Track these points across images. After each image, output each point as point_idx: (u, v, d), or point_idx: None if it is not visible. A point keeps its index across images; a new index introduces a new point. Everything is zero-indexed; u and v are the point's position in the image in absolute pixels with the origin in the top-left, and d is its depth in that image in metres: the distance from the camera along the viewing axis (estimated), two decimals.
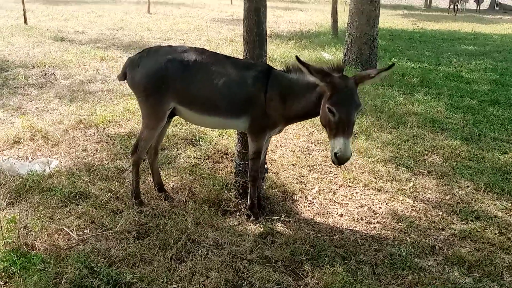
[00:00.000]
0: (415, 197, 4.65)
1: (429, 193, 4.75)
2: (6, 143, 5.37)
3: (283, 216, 4.13)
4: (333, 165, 5.16)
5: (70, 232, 3.65)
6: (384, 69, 3.39)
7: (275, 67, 3.94)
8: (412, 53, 12.91)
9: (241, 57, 4.43)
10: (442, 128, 6.62)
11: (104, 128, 6.06)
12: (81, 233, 3.70)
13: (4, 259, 3.17)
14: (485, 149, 5.89)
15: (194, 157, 5.24)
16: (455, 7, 28.35)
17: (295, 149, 5.66)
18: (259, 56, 4.18)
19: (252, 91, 3.72)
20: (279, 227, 3.97)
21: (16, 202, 4.11)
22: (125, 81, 4.00)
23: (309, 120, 6.31)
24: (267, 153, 5.34)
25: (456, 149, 5.82)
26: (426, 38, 16.51)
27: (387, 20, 22.97)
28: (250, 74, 3.75)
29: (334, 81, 3.33)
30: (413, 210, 4.42)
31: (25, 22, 14.97)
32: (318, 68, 3.41)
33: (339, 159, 3.28)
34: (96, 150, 5.37)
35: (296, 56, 3.40)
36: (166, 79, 3.72)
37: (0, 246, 3.31)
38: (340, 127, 3.26)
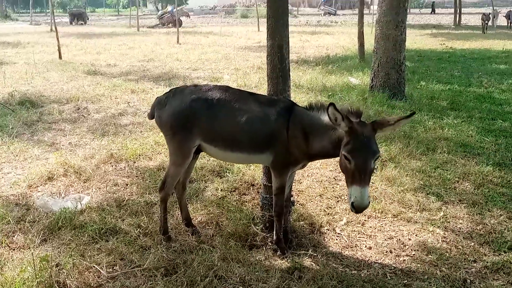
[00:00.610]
0: (445, 228, 4.55)
1: (460, 223, 4.65)
2: (40, 180, 5.55)
3: (310, 250, 4.10)
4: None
5: (100, 270, 3.73)
6: (404, 117, 3.31)
7: (298, 104, 3.96)
8: (441, 74, 12.78)
9: (265, 90, 4.49)
10: (473, 153, 6.50)
11: (134, 162, 6.20)
12: (110, 270, 3.77)
13: None
14: None
15: (221, 189, 5.30)
16: (485, 24, 27.88)
17: (322, 179, 5.65)
18: (283, 91, 4.24)
19: (274, 128, 3.76)
20: (307, 261, 3.95)
21: (49, 239, 4.23)
22: (154, 119, 4.13)
23: None
24: (294, 184, 5.36)
25: (488, 175, 5.70)
26: (456, 58, 16.33)
27: (416, 40, 22.87)
28: (272, 111, 3.79)
29: (352, 127, 3.30)
30: (444, 241, 4.33)
31: (60, 57, 15.58)
32: (346, 115, 3.33)
33: (356, 209, 3.23)
34: (126, 185, 5.49)
35: (332, 103, 3.30)
36: (191, 117, 3.82)
37: (33, 285, 3.40)
38: (356, 175, 3.21)
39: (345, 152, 3.27)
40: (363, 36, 15.10)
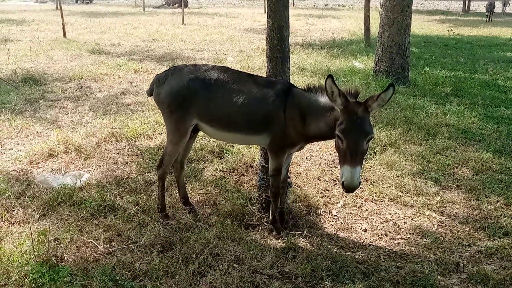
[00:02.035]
0: (441, 212, 4.58)
1: (457, 208, 4.67)
2: (41, 156, 5.59)
3: (305, 231, 4.14)
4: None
5: (97, 245, 3.78)
6: (383, 91, 3.24)
7: (296, 86, 3.96)
8: (447, 61, 12.70)
9: (264, 73, 4.49)
10: (474, 140, 6.49)
11: (135, 141, 6.23)
12: (108, 245, 3.83)
13: (34, 271, 3.31)
14: None
15: (220, 170, 5.33)
16: (490, 13, 27.10)
17: (320, 162, 5.67)
18: (282, 73, 4.23)
19: (272, 109, 3.75)
20: (302, 242, 3.99)
21: (48, 214, 4.29)
22: (152, 96, 4.15)
23: None
24: (292, 166, 5.38)
25: (488, 162, 5.70)
26: (462, 45, 16.20)
27: (423, 26, 22.67)
28: (270, 92, 3.79)
29: (347, 106, 3.29)
30: (439, 225, 4.35)
31: (64, 35, 15.54)
32: (344, 92, 3.33)
33: (346, 188, 3.24)
34: (126, 163, 5.53)
35: (330, 75, 3.29)
36: (189, 97, 3.83)
37: (31, 258, 3.46)
38: (348, 155, 3.21)
39: (338, 132, 3.27)
40: (369, 20, 14.98)
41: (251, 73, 4.17)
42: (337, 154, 5.72)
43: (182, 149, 4.26)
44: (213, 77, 3.87)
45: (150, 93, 4.15)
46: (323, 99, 3.60)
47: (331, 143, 6.19)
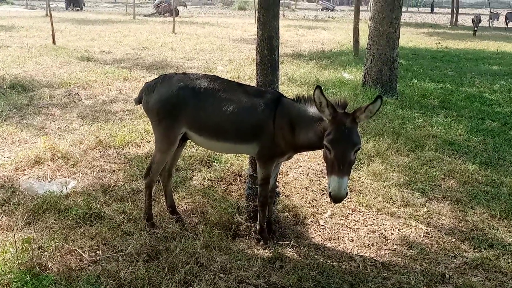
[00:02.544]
0: (428, 223, 4.60)
1: (443, 219, 4.70)
2: (27, 163, 5.53)
3: (293, 241, 4.14)
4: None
5: (82, 253, 3.74)
6: (371, 103, 3.24)
7: (285, 96, 3.97)
8: (435, 73, 12.84)
9: (254, 83, 4.50)
10: (461, 152, 6.55)
11: (123, 149, 6.20)
12: (93, 254, 3.78)
13: (17, 279, 3.27)
14: (504, 173, 5.80)
15: (208, 179, 5.32)
16: (475, 27, 26.94)
17: (309, 172, 5.68)
18: (272, 83, 4.26)
19: (261, 118, 3.76)
20: (289, 252, 3.98)
21: (33, 222, 4.24)
22: (141, 104, 4.13)
23: None
24: (280, 175, 5.39)
25: (474, 174, 5.75)
26: (450, 58, 16.39)
27: (411, 38, 22.92)
28: (259, 102, 3.79)
29: (335, 116, 3.30)
30: (426, 236, 4.37)
31: (54, 42, 15.47)
32: (332, 103, 3.35)
33: (334, 198, 3.24)
34: (114, 171, 5.49)
35: (318, 86, 3.30)
36: (178, 105, 3.82)
37: (14, 266, 3.41)
38: (335, 165, 3.21)
39: (326, 142, 3.28)
40: (358, 32, 15.12)
41: (240, 82, 4.18)
42: (325, 164, 5.77)
43: (170, 158, 4.25)
44: (203, 85, 3.87)
45: (138, 101, 4.13)
46: (312, 109, 3.61)
47: (319, 153, 6.22)
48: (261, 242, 4.08)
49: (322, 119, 3.46)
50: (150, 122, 4.14)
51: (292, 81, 10.76)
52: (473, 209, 4.90)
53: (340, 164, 3.19)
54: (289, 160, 5.70)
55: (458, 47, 19.86)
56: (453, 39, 23.69)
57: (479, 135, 7.30)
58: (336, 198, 3.23)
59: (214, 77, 4.02)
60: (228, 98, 3.81)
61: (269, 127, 3.77)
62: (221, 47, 17.09)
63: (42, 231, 4.06)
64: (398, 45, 9.58)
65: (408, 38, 22.65)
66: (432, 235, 4.39)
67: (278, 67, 4.30)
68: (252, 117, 3.77)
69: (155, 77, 4.15)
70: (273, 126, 3.77)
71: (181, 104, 3.82)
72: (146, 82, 4.14)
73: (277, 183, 4.64)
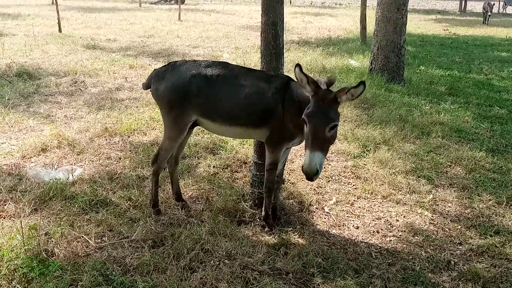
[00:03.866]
0: (434, 210, 4.59)
1: (449, 206, 4.68)
2: (34, 151, 5.56)
3: (297, 227, 4.15)
4: (352, 176, 5.19)
5: (88, 240, 3.77)
6: (353, 86, 3.25)
7: (294, 79, 3.95)
8: (442, 60, 12.71)
9: (258, 69, 4.48)
10: (468, 139, 6.51)
11: (129, 136, 6.21)
12: (99, 240, 3.81)
13: (24, 265, 3.30)
14: (511, 161, 5.75)
15: (214, 166, 5.32)
16: (487, 14, 26.01)
17: None
18: (276, 69, 4.23)
19: (271, 103, 3.77)
20: (293, 238, 3.99)
21: (40, 209, 4.27)
22: (149, 90, 4.12)
23: None
24: (286, 163, 5.38)
25: (481, 161, 5.72)
26: (458, 44, 16.21)
27: (419, 25, 22.68)
28: (269, 86, 3.80)
29: (317, 93, 3.33)
30: (431, 223, 4.36)
31: (60, 30, 15.46)
32: (314, 80, 3.37)
33: (304, 173, 3.23)
34: (120, 158, 5.51)
35: (298, 64, 3.35)
36: (189, 93, 3.81)
37: (21, 252, 3.44)
38: (309, 140, 3.24)
39: (304, 116, 3.30)
40: (365, 18, 14.97)
41: (250, 68, 4.17)
42: (331, 151, 5.74)
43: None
44: (215, 73, 3.87)
45: (146, 86, 4.11)
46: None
47: None
48: (266, 229, 4.09)
49: None
50: (159, 109, 4.14)
51: None
52: (479, 196, 4.88)
53: (314, 138, 3.21)
54: (294, 147, 5.71)
55: (466, 34, 19.64)
56: (462, 26, 23.42)
57: (487, 122, 7.24)
58: (307, 172, 3.22)
59: (224, 63, 4.02)
60: (240, 84, 3.82)
61: (278, 111, 3.78)
62: (227, 34, 17.00)
63: (49, 218, 4.09)
64: (405, 32, 9.48)
65: (416, 25, 22.42)
66: (437, 222, 4.38)
67: (283, 53, 4.27)
68: (262, 101, 3.78)
69: (164, 64, 4.13)
70: (282, 109, 3.77)
71: (194, 92, 3.81)
72: (155, 69, 4.12)
73: (283, 170, 4.65)
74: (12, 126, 6.43)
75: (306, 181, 4.00)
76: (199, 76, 3.84)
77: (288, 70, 10.23)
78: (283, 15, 4.19)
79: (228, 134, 4.29)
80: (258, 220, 4.23)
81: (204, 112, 3.91)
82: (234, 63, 10.43)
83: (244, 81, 3.83)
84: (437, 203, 4.72)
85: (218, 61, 4.08)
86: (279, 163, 4.03)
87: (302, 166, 3.24)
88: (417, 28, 20.89)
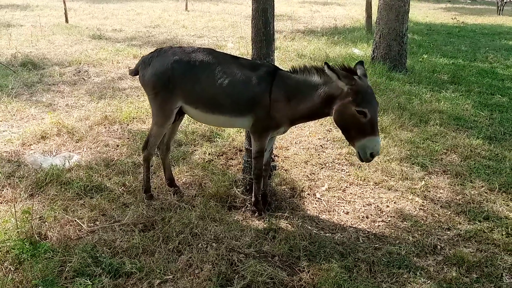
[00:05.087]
0: (425, 196, 4.62)
1: (440, 193, 4.70)
2: (34, 138, 5.66)
3: (287, 212, 4.20)
4: (345, 162, 5.22)
5: (81, 224, 3.86)
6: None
7: (281, 68, 4.00)
8: (448, 49, 12.61)
9: (250, 56, 4.52)
10: (466, 127, 6.50)
11: (128, 124, 6.29)
12: (92, 224, 3.90)
13: (16, 247, 3.39)
14: (508, 148, 5.75)
15: (209, 154, 5.39)
16: (501, 4, 25.28)
17: (309, 146, 5.70)
18: (266, 56, 4.27)
19: (257, 91, 3.80)
20: (283, 223, 4.05)
21: (36, 194, 4.37)
22: (137, 77, 4.20)
23: (328, 117, 6.36)
24: (280, 150, 5.43)
25: (477, 148, 5.72)
26: (465, 33, 16.05)
27: (428, 14, 22.46)
28: (255, 74, 3.83)
29: (358, 83, 3.44)
30: (421, 209, 4.39)
31: (66, 21, 15.57)
32: (345, 73, 3.47)
33: (373, 158, 3.49)
34: (117, 146, 5.59)
35: (326, 63, 3.47)
36: (173, 79, 3.87)
37: (13, 235, 3.54)
38: (371, 127, 3.42)
39: (357, 108, 3.41)
40: (371, 7, 14.86)
41: (236, 55, 4.21)
42: (326, 139, 5.77)
43: (168, 131, 4.33)
44: (198, 59, 3.90)
45: (133, 73, 4.20)
46: (313, 78, 3.72)
47: (320, 128, 6.25)
48: (256, 214, 4.15)
49: (324, 86, 3.62)
50: (147, 96, 4.21)
51: (302, 57, 10.71)
52: (472, 182, 4.90)
53: (376, 123, 3.44)
54: (290, 135, 5.76)
55: (475, 22, 19.42)
56: (471, 14, 23.14)
57: (487, 110, 7.22)
58: (377, 155, 3.52)
59: (209, 50, 4.05)
60: (224, 71, 3.84)
61: (265, 100, 3.80)
62: (233, 24, 16.98)
63: (44, 202, 4.19)
64: (407, 20, 9.42)
65: (425, 14, 22.22)
66: (427, 208, 4.41)
67: (274, 40, 4.30)
68: (248, 90, 3.81)
69: (151, 51, 4.20)
70: (269, 98, 3.80)
71: (176, 78, 3.86)
72: (143, 56, 4.19)
73: (273, 157, 4.70)
74: (14, 115, 6.55)
75: (364, 163, 4.39)
76: (181, 62, 3.88)
77: (291, 59, 10.28)
78: (273, 1, 4.21)
79: (212, 122, 4.34)
80: (249, 205, 4.28)
81: (187, 99, 3.95)
82: (238, 52, 10.54)
83: (228, 68, 3.86)
84: (429, 190, 4.75)
85: (204, 47, 4.12)
86: (265, 151, 4.08)
87: (372, 153, 3.44)
88: (425, 17, 20.69)
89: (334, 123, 3.76)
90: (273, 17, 4.23)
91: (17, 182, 4.53)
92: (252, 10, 4.24)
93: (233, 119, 3.99)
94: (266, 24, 4.19)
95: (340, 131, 3.80)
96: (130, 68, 4.23)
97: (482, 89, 8.41)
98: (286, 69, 3.99)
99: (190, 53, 3.96)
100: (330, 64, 3.48)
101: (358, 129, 3.46)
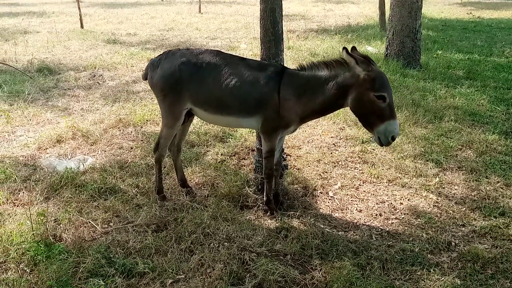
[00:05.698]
0: (439, 193, 4.57)
1: (455, 189, 4.65)
2: (49, 142, 5.75)
3: (299, 211, 4.19)
4: (359, 160, 5.20)
5: (95, 225, 3.91)
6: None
7: (288, 67, 4.00)
8: (463, 44, 12.45)
9: (259, 56, 4.53)
10: (482, 122, 6.41)
11: (142, 127, 6.35)
12: (105, 226, 3.95)
13: (32, 249, 3.45)
14: None
15: (222, 154, 5.41)
16: None
17: (321, 145, 5.68)
18: (275, 55, 4.27)
19: (265, 91, 3.80)
20: (295, 222, 4.04)
21: (52, 197, 4.44)
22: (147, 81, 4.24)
23: (341, 115, 6.34)
24: (293, 149, 5.43)
25: (493, 144, 5.64)
26: (481, 28, 15.82)
27: (443, 10, 22.19)
28: (263, 74, 3.83)
29: (374, 69, 3.50)
30: (435, 206, 4.35)
31: (82, 26, 15.77)
32: (363, 58, 3.53)
33: (394, 141, 3.59)
34: (131, 148, 5.64)
35: (345, 47, 3.54)
36: (181, 81, 3.90)
37: (29, 237, 3.60)
38: (389, 110, 3.49)
39: (376, 93, 3.46)
40: (384, 4, 14.73)
41: (243, 56, 4.22)
42: (339, 137, 5.75)
43: (178, 133, 4.36)
44: (205, 60, 3.93)
45: (145, 76, 4.24)
46: (322, 72, 3.74)
47: (333, 126, 6.22)
48: (268, 213, 4.16)
49: (335, 78, 3.64)
50: (156, 98, 4.25)
51: (315, 56, 10.68)
52: (487, 178, 4.84)
53: (393, 107, 3.53)
54: (302, 134, 5.75)
55: (491, 17, 19.14)
56: (487, 9, 22.79)
57: (503, 105, 7.11)
58: (396, 138, 3.59)
59: (216, 51, 4.07)
60: (231, 72, 3.86)
61: (274, 100, 3.81)
62: (246, 25, 17.01)
63: (59, 205, 4.25)
64: (420, 16, 9.33)
65: (440, 9, 21.96)
66: (442, 205, 4.37)
67: (282, 39, 4.30)
68: (256, 90, 3.81)
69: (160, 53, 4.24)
70: (278, 98, 3.80)
71: (184, 79, 3.89)
72: (151, 59, 4.24)
73: (285, 156, 4.70)
74: (30, 120, 6.65)
75: (385, 147, 4.36)
76: (189, 64, 3.91)
77: (304, 58, 10.25)
78: (281, 1, 4.21)
79: (220, 123, 4.37)
80: (261, 204, 4.29)
81: (195, 100, 3.98)
82: (250, 53, 10.55)
83: (236, 69, 3.87)
84: (443, 186, 4.70)
85: (211, 49, 4.14)
86: (275, 151, 4.08)
87: (393, 136, 3.52)
88: (440, 13, 20.45)
89: (352, 112, 3.77)
90: (281, 17, 4.23)
91: (33, 186, 4.60)
92: (260, 10, 4.25)
93: (241, 120, 4.00)
94: (274, 24, 4.19)
95: (357, 122, 3.86)
96: (144, 72, 4.27)
97: (498, 84, 8.28)
98: (294, 68, 3.99)
99: (198, 55, 3.98)
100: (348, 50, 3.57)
101: (378, 115, 3.51)
